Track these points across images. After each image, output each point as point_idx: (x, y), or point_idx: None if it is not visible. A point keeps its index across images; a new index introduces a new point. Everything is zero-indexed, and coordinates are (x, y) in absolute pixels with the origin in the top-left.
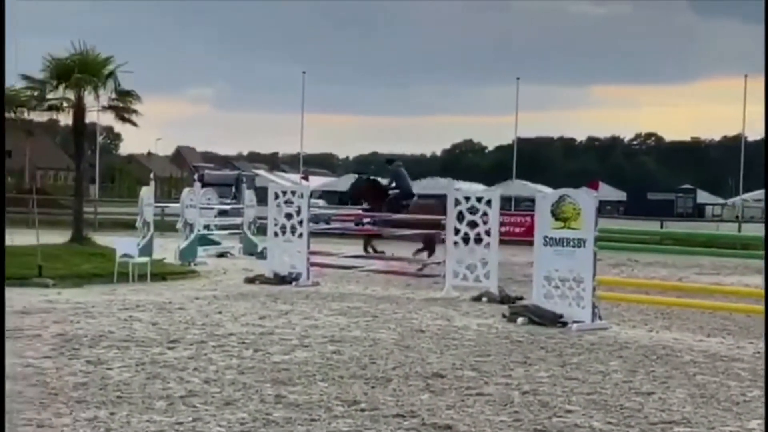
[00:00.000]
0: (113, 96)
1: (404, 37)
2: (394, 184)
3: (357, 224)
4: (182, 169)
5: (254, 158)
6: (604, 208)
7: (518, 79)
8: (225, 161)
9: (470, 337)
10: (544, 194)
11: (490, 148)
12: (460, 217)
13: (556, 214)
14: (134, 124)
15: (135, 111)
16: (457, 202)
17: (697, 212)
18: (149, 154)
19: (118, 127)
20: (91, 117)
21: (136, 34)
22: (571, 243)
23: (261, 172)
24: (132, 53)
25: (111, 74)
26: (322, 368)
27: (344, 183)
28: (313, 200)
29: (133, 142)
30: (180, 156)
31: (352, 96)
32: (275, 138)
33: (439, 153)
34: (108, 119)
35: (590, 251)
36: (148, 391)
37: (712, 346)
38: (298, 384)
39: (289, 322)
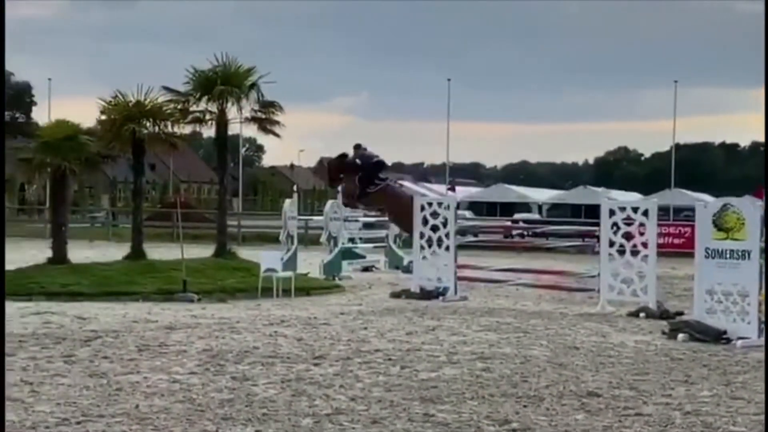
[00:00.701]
0: (256, 107)
1: (553, 41)
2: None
3: (506, 236)
4: (325, 181)
5: (399, 169)
6: None
7: (676, 82)
8: None
9: (627, 355)
10: (705, 203)
11: (647, 155)
12: (615, 228)
13: (719, 224)
14: (277, 135)
15: (278, 122)
16: (612, 213)
17: None
18: (292, 165)
19: (261, 138)
20: (233, 129)
21: (280, 44)
22: (735, 255)
23: (406, 183)
24: (275, 64)
25: (253, 85)
26: (471, 386)
27: (492, 194)
28: (459, 212)
29: (276, 153)
30: (323, 167)
31: (500, 103)
32: (420, 147)
33: (591, 161)
34: (251, 131)
35: (756, 263)
36: (294, 408)
37: None
38: (446, 402)
39: (436, 338)
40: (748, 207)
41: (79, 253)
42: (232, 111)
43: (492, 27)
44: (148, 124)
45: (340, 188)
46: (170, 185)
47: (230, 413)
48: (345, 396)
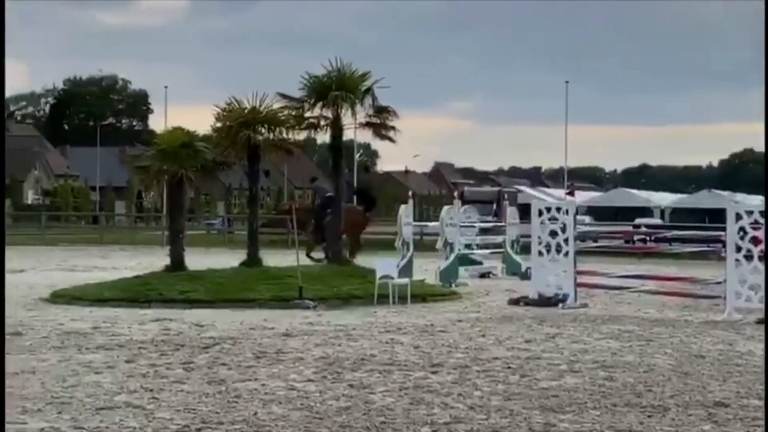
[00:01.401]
0: (370, 112)
1: (675, 42)
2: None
3: (627, 242)
4: (440, 186)
5: (515, 173)
6: None
7: None
8: (484, 177)
9: (756, 364)
10: None
11: None
12: (742, 232)
13: None
14: (392, 140)
15: (393, 127)
16: (739, 217)
17: None
18: (406, 171)
19: (375, 144)
20: (348, 134)
21: (394, 48)
22: None
23: (523, 187)
24: (389, 68)
25: (368, 90)
26: (593, 395)
27: (612, 198)
28: (578, 217)
29: (389, 159)
30: (438, 173)
31: (619, 105)
32: (537, 151)
33: (715, 164)
34: (365, 136)
35: None
36: (412, 416)
37: None
38: (568, 412)
39: (556, 345)
40: None
41: (195, 260)
42: (346, 116)
43: (610, 27)
44: (263, 130)
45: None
46: (285, 191)
47: (348, 421)
48: (463, 404)
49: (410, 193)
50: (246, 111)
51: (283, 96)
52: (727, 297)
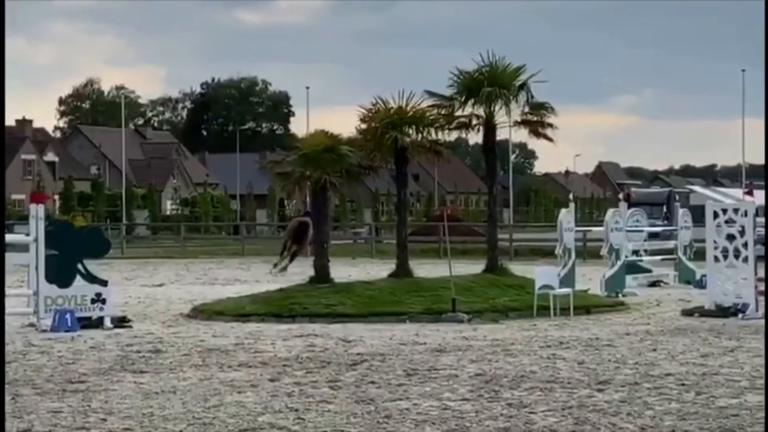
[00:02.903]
0: (526, 109)
1: None
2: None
3: None
4: (604, 187)
5: (688, 172)
6: None
7: None
8: (653, 177)
9: None
10: None
11: None
12: None
13: None
14: (549, 139)
15: (550, 125)
16: None
17: None
18: (567, 172)
19: (532, 143)
20: (502, 134)
21: (552, 42)
22: None
23: (696, 188)
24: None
25: (523, 85)
26: None
27: None
28: (760, 219)
29: (548, 159)
30: (601, 173)
31: None
32: (711, 148)
33: None
34: (521, 135)
35: None
36: None
37: None
38: None
39: (735, 360)
40: None
41: (341, 271)
42: (500, 114)
43: None
44: (410, 131)
45: None
46: (435, 196)
47: None
48: (634, 425)
49: (571, 195)
50: (392, 111)
51: (432, 94)
52: None
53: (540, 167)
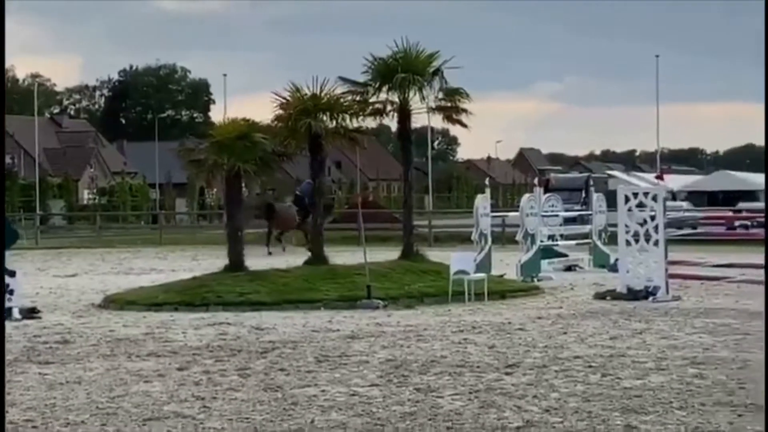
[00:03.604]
0: (440, 96)
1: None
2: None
3: (730, 228)
4: (526, 173)
5: (608, 158)
6: None
7: None
8: (574, 162)
9: None
10: None
11: None
12: None
13: None
14: (464, 125)
15: (465, 110)
16: None
17: None
18: (489, 158)
19: (456, 130)
20: (420, 120)
21: (475, 28)
22: None
23: (615, 173)
24: (477, 49)
25: (437, 72)
26: (680, 394)
27: (714, 182)
28: (676, 203)
29: (471, 146)
30: (523, 159)
31: (718, 80)
32: (632, 134)
33: None
34: (444, 123)
35: None
36: (482, 421)
37: None
38: (651, 413)
39: (643, 342)
40: None
41: (261, 259)
42: (414, 100)
43: None
44: (324, 118)
45: None
46: (357, 183)
47: (412, 427)
48: (538, 407)
49: (487, 181)
50: (306, 98)
51: (346, 80)
52: None
53: (463, 154)
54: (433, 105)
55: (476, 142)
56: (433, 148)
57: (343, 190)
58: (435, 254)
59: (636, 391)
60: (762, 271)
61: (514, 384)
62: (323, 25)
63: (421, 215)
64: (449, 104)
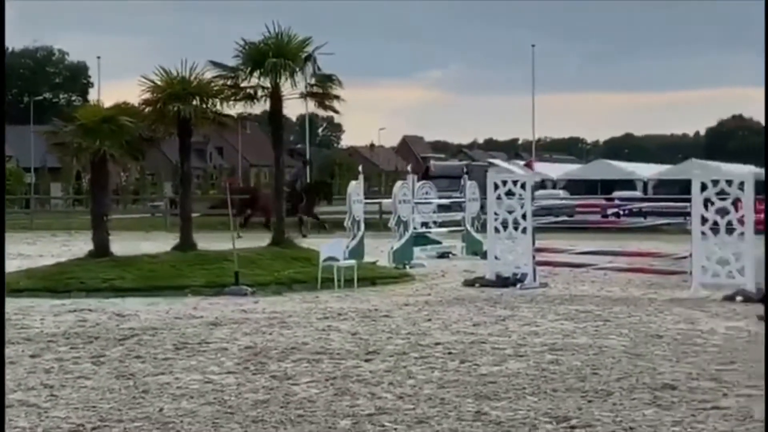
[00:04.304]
0: (312, 81)
1: (653, 4)
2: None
3: (604, 216)
4: (408, 161)
5: (491, 146)
6: None
7: None
8: (457, 150)
9: (715, 343)
10: None
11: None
12: (708, 204)
13: None
14: (336, 111)
15: (337, 97)
16: (704, 187)
17: None
18: (372, 145)
19: (340, 117)
20: (299, 107)
21: (360, 15)
22: None
23: (497, 161)
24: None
25: (309, 57)
26: (534, 380)
27: (592, 171)
28: (553, 191)
29: (356, 133)
30: (406, 147)
31: (601, 71)
32: (515, 122)
33: (702, 132)
34: (315, 109)
35: None
36: (334, 408)
37: None
38: (503, 399)
39: (506, 329)
40: None
41: (132, 245)
42: (286, 86)
43: None
44: (194, 102)
45: None
46: (239, 169)
47: (262, 415)
48: (392, 394)
49: (360, 168)
50: (175, 82)
51: (216, 65)
52: (693, 273)
53: (347, 141)
54: (304, 91)
55: (361, 129)
56: (317, 134)
57: (225, 175)
58: (313, 241)
59: (492, 377)
60: (629, 259)
61: (372, 371)
62: (210, 9)
63: (301, 201)
64: (321, 91)
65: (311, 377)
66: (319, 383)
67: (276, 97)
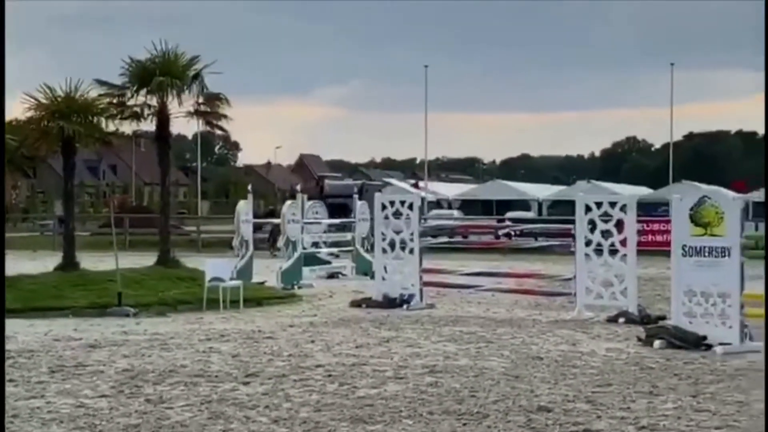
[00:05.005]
0: (200, 100)
1: (552, 23)
2: None
3: (497, 237)
4: (306, 180)
5: (388, 165)
6: None
7: (672, 65)
8: (354, 169)
9: (594, 364)
10: (681, 196)
11: (657, 145)
12: (592, 225)
13: (696, 219)
14: (224, 130)
15: (225, 116)
16: (588, 209)
17: None
18: (269, 164)
19: (237, 135)
20: (195, 125)
21: (259, 32)
22: (714, 252)
23: (393, 180)
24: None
25: (197, 76)
26: (411, 403)
27: (488, 191)
28: (447, 211)
29: (253, 151)
30: (303, 165)
31: (499, 92)
32: (412, 141)
33: (597, 153)
34: (203, 127)
35: (736, 261)
36: None
37: None
38: (379, 422)
39: (388, 350)
40: (726, 199)
41: (18, 265)
42: (173, 105)
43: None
44: (79, 120)
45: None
46: (132, 187)
47: None
48: (267, 418)
49: (249, 187)
50: (59, 100)
51: (102, 83)
52: (576, 294)
53: (245, 159)
54: (192, 109)
55: (259, 147)
56: (214, 153)
57: (118, 193)
58: (203, 260)
59: (369, 400)
60: (517, 280)
61: (249, 394)
62: (107, 24)
63: (194, 220)
64: (209, 109)
65: (186, 401)
66: (194, 407)
67: (163, 115)
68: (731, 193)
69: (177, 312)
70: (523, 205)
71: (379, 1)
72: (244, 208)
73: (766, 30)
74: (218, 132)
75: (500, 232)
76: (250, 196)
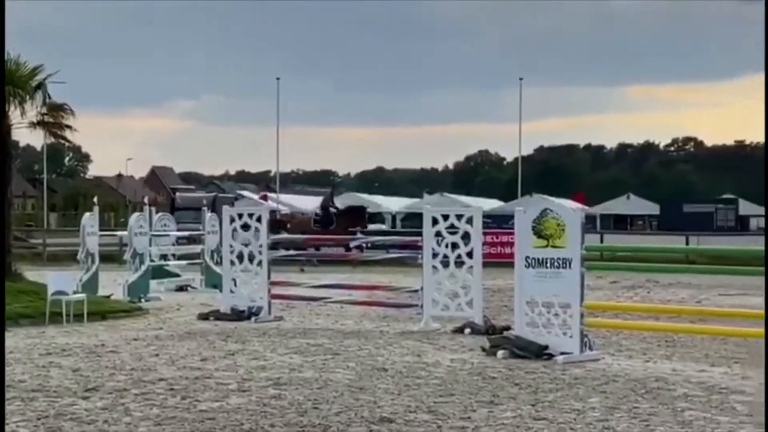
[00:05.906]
0: (43, 110)
1: (406, 38)
2: None
3: (348, 250)
4: (158, 192)
5: (243, 177)
6: (635, 222)
7: (521, 79)
8: (208, 182)
9: (438, 375)
10: (524, 209)
11: (509, 159)
12: (439, 237)
13: (538, 231)
14: (68, 140)
15: (69, 126)
16: (435, 221)
17: (740, 225)
18: (119, 176)
19: (88, 147)
20: (34, 136)
21: (110, 43)
22: (556, 263)
23: (246, 192)
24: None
25: (40, 86)
26: (254, 416)
27: (343, 203)
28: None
29: (104, 163)
30: (155, 178)
31: (352, 105)
32: (266, 155)
33: (451, 166)
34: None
35: (577, 272)
36: None
37: (713, 377)
38: None
39: (233, 363)
40: (567, 212)
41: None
42: (15, 115)
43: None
44: None
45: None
46: None
47: None
48: None
49: (95, 199)
50: None
51: None
52: (423, 306)
53: (95, 171)
54: (35, 120)
55: (110, 159)
56: (64, 164)
57: None
58: (48, 273)
59: (211, 413)
60: (366, 292)
61: (88, 409)
62: None
63: (41, 232)
64: (52, 120)
65: (22, 416)
66: (30, 422)
67: (3, 125)
68: (573, 205)
69: (18, 326)
70: (378, 217)
71: (232, 11)
72: (89, 220)
73: (766, 30)
74: (64, 143)
75: (352, 245)
76: (95, 209)
